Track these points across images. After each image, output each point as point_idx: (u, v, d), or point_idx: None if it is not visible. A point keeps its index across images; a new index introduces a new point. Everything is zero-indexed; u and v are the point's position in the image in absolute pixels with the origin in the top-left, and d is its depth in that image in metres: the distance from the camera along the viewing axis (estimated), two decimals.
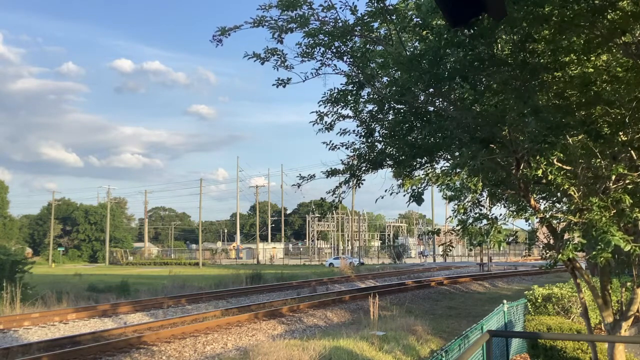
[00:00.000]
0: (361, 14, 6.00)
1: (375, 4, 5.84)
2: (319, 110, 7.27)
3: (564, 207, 7.79)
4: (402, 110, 7.02)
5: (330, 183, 7.63)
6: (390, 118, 7.35)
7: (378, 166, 7.41)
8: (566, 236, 6.14)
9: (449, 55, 5.72)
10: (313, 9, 6.12)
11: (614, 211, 5.34)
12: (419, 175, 7.40)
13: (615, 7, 4.71)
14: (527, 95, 5.49)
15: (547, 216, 6.55)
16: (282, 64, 6.66)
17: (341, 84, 7.17)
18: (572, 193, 5.85)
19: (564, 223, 6.20)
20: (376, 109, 7.27)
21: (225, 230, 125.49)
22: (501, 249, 5.84)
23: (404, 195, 7.18)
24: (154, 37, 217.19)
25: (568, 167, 6.00)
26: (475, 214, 6.35)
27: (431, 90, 6.34)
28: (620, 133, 5.91)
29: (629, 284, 7.49)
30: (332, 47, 6.50)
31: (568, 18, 4.86)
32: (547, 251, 7.39)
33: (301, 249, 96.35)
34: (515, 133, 6.04)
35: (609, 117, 5.70)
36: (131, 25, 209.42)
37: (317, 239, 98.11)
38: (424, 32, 5.94)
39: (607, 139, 5.68)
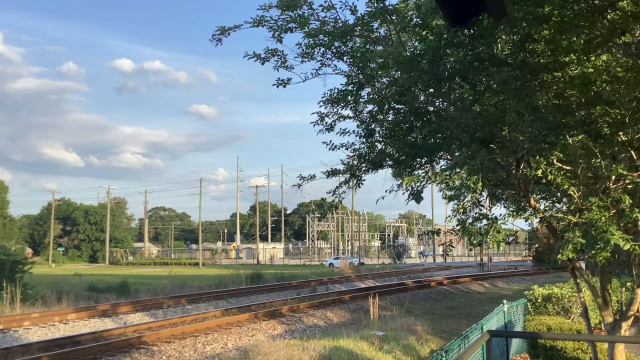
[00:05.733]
0: (361, 14, 6.01)
1: (375, 4, 5.85)
2: (320, 112, 7.29)
3: (564, 207, 7.78)
4: (402, 111, 7.02)
5: (330, 183, 7.65)
6: (390, 118, 7.36)
7: (378, 166, 7.41)
8: (566, 236, 6.13)
9: (449, 56, 5.72)
10: (313, 9, 6.13)
11: (614, 211, 5.34)
12: (418, 174, 7.39)
13: (615, 7, 4.71)
14: (524, 93, 5.49)
15: (547, 216, 6.55)
16: (283, 65, 6.67)
17: (341, 84, 7.18)
18: (572, 193, 5.84)
19: (564, 223, 6.19)
20: (376, 109, 7.27)
21: (225, 230, 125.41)
22: (501, 249, 5.81)
23: (404, 194, 7.18)
24: (154, 37, 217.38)
25: (568, 167, 5.99)
26: (475, 213, 6.34)
27: (431, 90, 6.34)
28: (620, 133, 5.91)
29: (629, 284, 7.49)
30: (332, 47, 6.51)
31: (568, 18, 4.87)
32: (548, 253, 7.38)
33: (301, 249, 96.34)
34: (515, 133, 6.04)
35: (609, 117, 5.70)
36: (131, 25, 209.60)
37: (317, 239, 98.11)
38: (424, 32, 5.94)
39: (607, 139, 5.68)
